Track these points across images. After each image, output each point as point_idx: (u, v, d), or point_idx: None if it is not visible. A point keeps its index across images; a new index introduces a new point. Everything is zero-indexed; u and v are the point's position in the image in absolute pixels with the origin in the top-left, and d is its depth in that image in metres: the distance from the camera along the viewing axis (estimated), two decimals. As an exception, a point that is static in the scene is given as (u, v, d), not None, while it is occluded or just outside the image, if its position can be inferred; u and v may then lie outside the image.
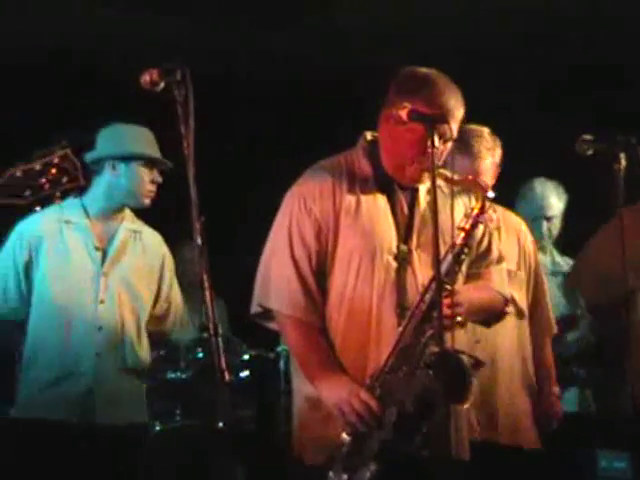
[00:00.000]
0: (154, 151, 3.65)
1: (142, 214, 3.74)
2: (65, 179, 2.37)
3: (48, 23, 5.30)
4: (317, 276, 2.73)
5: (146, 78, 2.41)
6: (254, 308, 2.81)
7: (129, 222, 3.69)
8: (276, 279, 2.74)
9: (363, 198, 2.75)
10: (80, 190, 2.76)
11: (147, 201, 3.63)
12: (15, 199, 2.38)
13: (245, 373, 4.62)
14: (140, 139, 3.66)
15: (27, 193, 2.36)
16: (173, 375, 4.46)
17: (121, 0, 5.08)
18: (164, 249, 3.79)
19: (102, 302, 3.52)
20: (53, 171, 2.36)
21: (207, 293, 2.13)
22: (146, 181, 3.61)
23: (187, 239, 5.07)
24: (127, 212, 3.69)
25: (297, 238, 2.73)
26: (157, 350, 4.47)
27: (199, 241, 2.17)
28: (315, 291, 2.73)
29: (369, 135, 2.85)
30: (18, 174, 2.35)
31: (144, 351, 3.65)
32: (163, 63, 2.39)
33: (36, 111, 5.15)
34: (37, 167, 2.36)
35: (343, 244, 2.73)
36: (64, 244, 3.54)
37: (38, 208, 2.60)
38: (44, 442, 3.39)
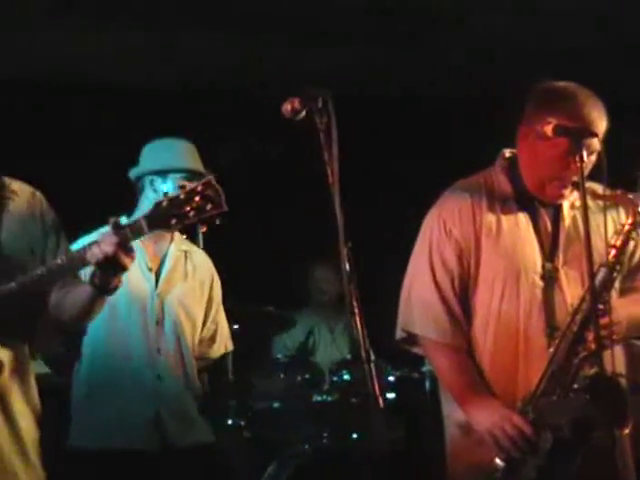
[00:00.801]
0: (191, 163, 3.61)
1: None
2: (209, 206, 2.43)
3: (196, 55, 5.44)
4: (461, 299, 2.70)
5: (287, 107, 2.42)
6: (399, 334, 2.79)
7: (178, 242, 3.66)
8: (419, 304, 2.72)
9: (504, 217, 2.71)
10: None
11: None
12: (162, 228, 2.48)
13: (392, 395, 4.59)
14: (176, 152, 3.63)
15: (173, 222, 2.44)
16: (319, 398, 4.47)
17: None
18: (212, 269, 3.76)
19: (158, 324, 3.52)
20: (197, 199, 2.42)
21: (357, 319, 2.12)
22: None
23: (320, 258, 5.25)
24: (176, 232, 3.63)
25: (438, 262, 2.70)
26: (302, 374, 4.53)
27: (347, 267, 2.16)
28: (459, 314, 2.70)
29: (507, 152, 2.80)
30: (164, 204, 2.44)
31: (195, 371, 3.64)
32: (304, 91, 2.40)
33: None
34: (182, 196, 2.43)
35: (486, 265, 2.69)
36: None
37: None
38: (124, 472, 3.37)
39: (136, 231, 2.45)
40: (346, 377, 4.49)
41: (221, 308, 3.76)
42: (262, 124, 2.90)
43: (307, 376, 4.46)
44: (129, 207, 3.59)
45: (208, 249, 3.82)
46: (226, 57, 5.48)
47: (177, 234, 3.63)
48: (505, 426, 2.53)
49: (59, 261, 2.53)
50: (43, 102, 5.34)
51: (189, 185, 2.45)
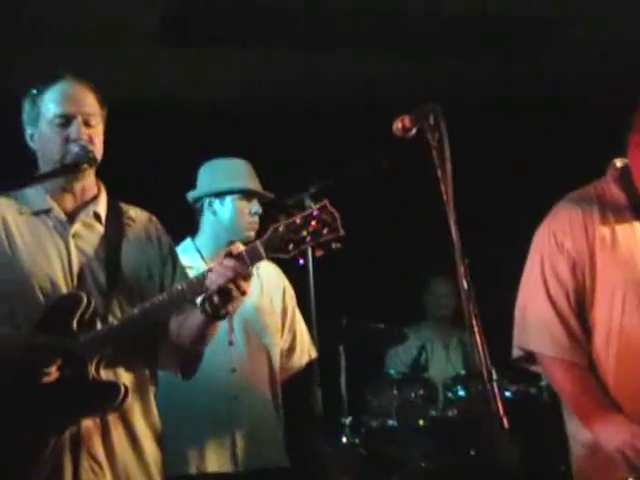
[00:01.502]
0: (248, 183, 3.61)
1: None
2: (325, 230, 2.45)
3: (305, 74, 5.50)
4: (577, 314, 2.62)
5: (398, 125, 2.41)
6: (515, 352, 2.73)
7: None
8: (534, 321, 2.65)
9: (618, 227, 2.63)
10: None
11: (250, 233, 3.56)
12: (280, 253, 2.49)
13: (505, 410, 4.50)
14: (231, 172, 3.63)
15: (290, 247, 2.46)
16: (434, 414, 4.43)
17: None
18: (283, 281, 3.75)
19: (231, 344, 3.53)
20: (313, 223, 2.44)
21: (477, 338, 2.09)
22: (244, 213, 3.57)
23: (439, 273, 5.20)
24: None
25: (551, 276, 2.63)
26: (415, 390, 4.49)
27: (465, 285, 2.13)
28: (577, 329, 2.62)
29: (619, 162, 2.72)
30: (281, 229, 2.46)
31: (277, 388, 3.62)
32: (415, 108, 2.38)
33: (290, 157, 5.33)
34: (298, 221, 2.46)
35: (603, 278, 2.61)
36: None
37: None
38: None
39: (254, 257, 2.48)
40: (461, 393, 4.44)
41: (297, 317, 3.75)
42: (378, 140, 2.89)
43: (421, 392, 4.43)
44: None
45: (321, 265, 3.82)
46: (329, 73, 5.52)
47: None
48: (637, 443, 2.45)
49: (179, 287, 2.57)
50: (154, 126, 5.46)
51: (306, 211, 2.47)
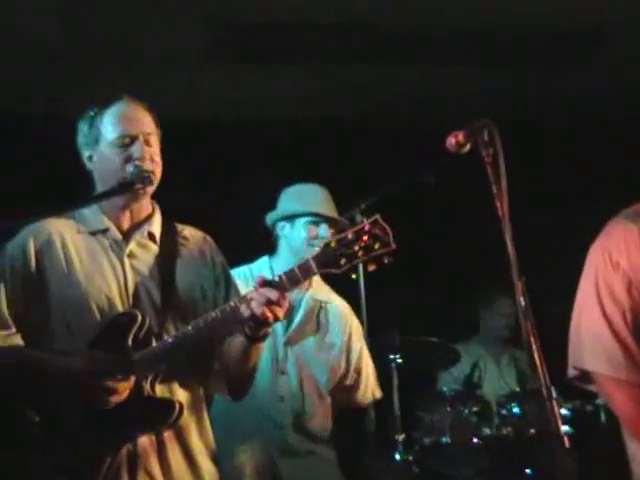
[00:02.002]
0: (317, 207, 3.60)
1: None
2: (377, 245, 2.44)
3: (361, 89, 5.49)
4: (634, 333, 2.54)
5: (451, 141, 2.40)
6: (570, 371, 2.67)
7: (317, 290, 3.65)
8: (589, 340, 2.59)
9: (675, 244, 2.56)
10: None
11: None
12: (332, 268, 2.48)
13: (564, 428, 4.43)
14: (303, 197, 3.63)
15: (342, 262, 2.45)
16: (489, 431, 4.38)
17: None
18: (351, 319, 3.73)
19: (283, 373, 3.53)
20: (365, 238, 2.44)
21: (536, 356, 2.06)
22: (312, 238, 3.56)
23: (503, 292, 5.15)
24: (315, 278, 3.61)
25: (606, 295, 2.56)
26: (469, 407, 4.44)
27: (522, 302, 2.10)
28: (634, 349, 2.53)
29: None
30: (333, 244, 2.47)
31: (327, 420, 3.61)
32: (468, 124, 2.37)
33: (341, 173, 5.34)
34: (349, 236, 2.45)
35: None
36: None
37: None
38: None
39: (305, 272, 2.49)
40: (516, 410, 4.38)
41: (365, 357, 3.73)
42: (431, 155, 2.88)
43: (475, 409, 4.38)
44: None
45: (372, 282, 3.81)
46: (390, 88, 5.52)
47: (316, 279, 3.63)
48: None
49: (232, 304, 2.56)
50: (208, 143, 5.50)
51: (358, 226, 2.46)
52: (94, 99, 2.79)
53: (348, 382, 3.69)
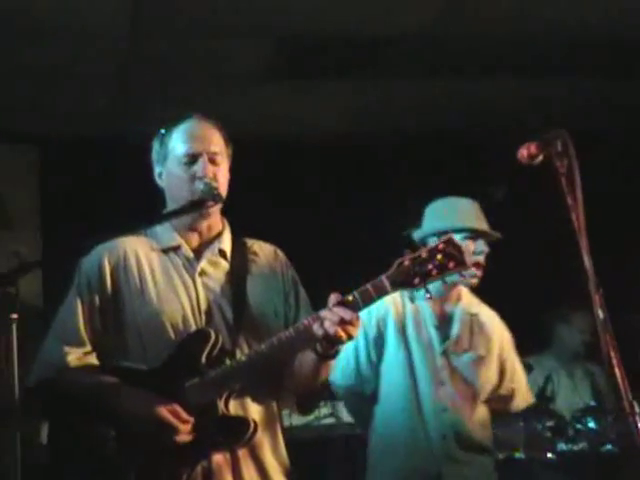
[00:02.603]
0: (472, 222, 3.55)
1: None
2: (451, 264, 2.42)
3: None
4: None
5: (523, 152, 2.38)
6: None
7: (467, 304, 3.63)
8: None
9: None
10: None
11: (477, 274, 3.54)
12: (405, 287, 2.46)
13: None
14: (456, 212, 3.58)
15: (416, 281, 2.43)
16: (564, 447, 4.30)
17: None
18: (502, 330, 3.71)
19: (443, 384, 3.51)
20: (439, 257, 2.42)
21: (616, 370, 2.01)
22: (469, 253, 3.48)
23: (576, 306, 5.05)
24: (463, 291, 3.63)
25: None
26: (542, 422, 4.37)
27: (600, 315, 2.06)
28: None
29: None
30: (406, 263, 2.44)
31: (486, 429, 3.60)
32: (541, 135, 2.34)
33: (408, 189, 5.31)
34: (424, 255, 2.43)
35: None
36: (410, 320, 3.56)
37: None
38: None
39: (378, 291, 2.46)
40: (591, 425, 4.30)
41: (517, 367, 3.72)
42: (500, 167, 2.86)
43: (549, 424, 4.30)
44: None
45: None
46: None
47: (465, 292, 3.64)
48: None
49: (287, 333, 2.55)
50: (274, 161, 5.53)
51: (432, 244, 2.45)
52: (158, 121, 2.82)
53: (503, 392, 3.67)
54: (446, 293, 3.57)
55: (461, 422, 3.51)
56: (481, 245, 3.55)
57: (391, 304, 3.58)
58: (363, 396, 3.57)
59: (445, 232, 3.43)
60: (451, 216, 3.57)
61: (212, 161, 2.71)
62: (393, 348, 3.53)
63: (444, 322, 3.57)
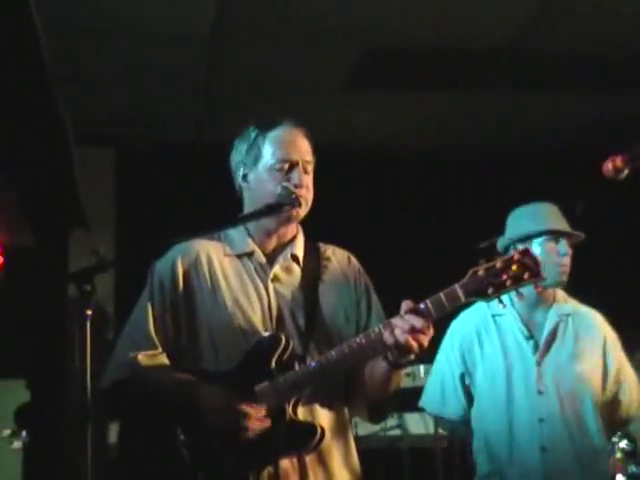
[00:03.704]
0: (551, 223, 3.51)
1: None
2: (526, 275, 2.38)
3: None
4: None
5: (609, 166, 2.32)
6: None
7: (560, 304, 3.55)
8: None
9: None
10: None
11: (562, 277, 3.48)
12: (479, 297, 2.43)
13: None
14: (534, 215, 3.55)
15: (490, 291, 2.40)
16: (634, 469, 4.20)
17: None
18: (604, 328, 3.60)
19: (540, 393, 3.43)
20: (514, 267, 2.38)
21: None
22: (552, 256, 3.46)
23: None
24: (559, 292, 3.57)
25: None
26: (614, 442, 4.27)
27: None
28: None
29: None
30: (480, 272, 2.41)
31: (597, 439, 3.46)
32: (628, 148, 2.28)
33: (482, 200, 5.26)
34: (498, 265, 2.40)
35: None
36: (497, 338, 3.52)
37: None
38: None
39: (451, 300, 2.42)
40: (669, 447, 4.18)
41: (625, 368, 3.60)
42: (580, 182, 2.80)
43: (622, 445, 4.19)
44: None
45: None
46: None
47: (561, 293, 3.59)
48: None
49: (377, 330, 2.51)
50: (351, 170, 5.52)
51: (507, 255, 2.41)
52: (237, 125, 2.81)
53: (605, 397, 3.56)
54: (537, 299, 3.53)
55: (562, 432, 3.41)
56: (564, 246, 3.50)
57: (476, 322, 3.56)
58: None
59: (528, 237, 3.49)
60: (531, 220, 3.54)
61: (305, 170, 2.70)
62: (481, 374, 3.51)
63: (535, 330, 3.52)
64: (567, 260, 3.50)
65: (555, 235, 3.50)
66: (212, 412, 2.54)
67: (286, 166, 2.68)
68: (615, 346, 3.60)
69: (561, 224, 3.54)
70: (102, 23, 4.44)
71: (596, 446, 3.47)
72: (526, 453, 3.39)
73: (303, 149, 2.71)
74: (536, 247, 3.47)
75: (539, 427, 3.40)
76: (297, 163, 2.68)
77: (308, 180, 2.70)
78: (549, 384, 3.44)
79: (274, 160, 2.69)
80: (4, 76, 3.84)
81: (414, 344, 2.41)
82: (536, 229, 3.49)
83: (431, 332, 2.45)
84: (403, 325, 2.41)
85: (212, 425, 2.54)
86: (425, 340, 2.43)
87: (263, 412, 2.51)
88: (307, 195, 2.69)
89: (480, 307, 3.53)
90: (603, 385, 3.53)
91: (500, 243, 3.59)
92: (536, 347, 3.49)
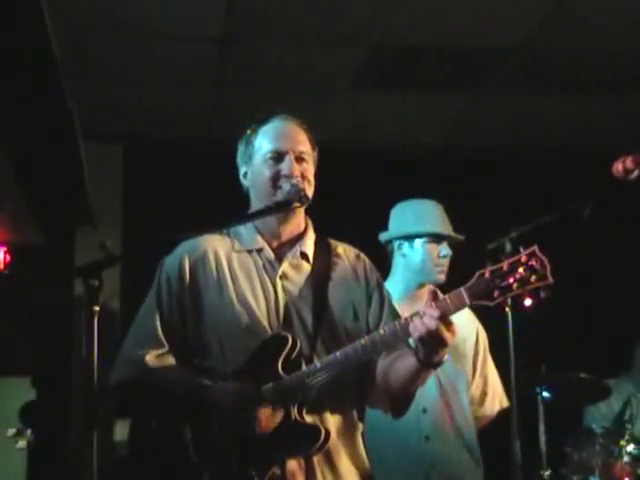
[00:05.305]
0: (437, 226, 3.56)
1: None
2: (534, 278, 2.33)
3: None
4: None
5: (619, 167, 2.32)
6: None
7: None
8: None
9: None
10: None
11: (440, 276, 3.55)
12: (484, 301, 2.38)
13: None
14: (421, 215, 3.59)
15: (496, 294, 2.35)
16: (642, 473, 4.18)
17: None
18: (476, 324, 3.67)
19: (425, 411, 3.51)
20: (521, 270, 2.34)
21: None
22: (433, 256, 3.55)
23: None
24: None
25: None
26: (620, 446, 4.25)
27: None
28: None
29: None
30: (486, 275, 2.37)
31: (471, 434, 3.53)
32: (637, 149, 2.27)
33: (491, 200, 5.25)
34: (505, 267, 2.35)
35: None
36: None
37: None
38: None
39: (457, 303, 2.39)
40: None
41: (489, 363, 3.68)
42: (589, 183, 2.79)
43: (627, 449, 4.17)
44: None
45: (521, 314, 3.71)
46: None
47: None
48: None
49: (382, 332, 2.50)
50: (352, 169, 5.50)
51: (514, 257, 2.37)
52: (246, 123, 2.82)
53: (474, 392, 3.63)
54: (412, 295, 3.58)
55: (441, 423, 3.47)
56: (445, 249, 3.58)
57: None
58: None
59: (410, 236, 3.56)
60: (417, 220, 3.59)
61: (298, 159, 2.69)
62: None
63: None
64: (446, 261, 3.58)
65: (438, 237, 3.56)
66: (225, 404, 2.52)
67: (276, 156, 2.68)
68: (483, 341, 3.67)
69: (444, 226, 3.60)
70: (112, 20, 4.42)
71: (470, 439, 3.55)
72: (409, 443, 3.43)
73: (295, 139, 2.71)
74: (418, 246, 3.56)
75: (422, 416, 3.46)
76: (287, 152, 2.67)
77: (304, 169, 2.69)
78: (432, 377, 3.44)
79: (264, 152, 2.70)
80: (12, 74, 3.83)
81: (446, 334, 2.37)
82: (420, 230, 3.57)
83: (452, 333, 2.40)
84: (432, 312, 2.36)
85: (223, 424, 2.52)
86: (449, 337, 2.38)
87: (270, 413, 2.50)
88: (304, 185, 2.67)
89: None
90: (472, 379, 3.62)
91: (382, 237, 3.65)
92: None
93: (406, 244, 3.61)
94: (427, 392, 3.42)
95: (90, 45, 4.63)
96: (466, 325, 3.62)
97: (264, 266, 2.71)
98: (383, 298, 2.77)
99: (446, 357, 2.49)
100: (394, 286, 3.58)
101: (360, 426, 2.72)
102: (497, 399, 3.70)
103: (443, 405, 3.50)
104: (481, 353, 3.67)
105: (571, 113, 5.40)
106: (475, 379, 3.64)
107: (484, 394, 3.67)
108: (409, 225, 3.61)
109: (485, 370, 3.67)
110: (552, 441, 4.20)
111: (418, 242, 3.59)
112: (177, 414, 2.58)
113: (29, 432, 5.15)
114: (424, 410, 3.47)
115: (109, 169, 5.72)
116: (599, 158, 2.45)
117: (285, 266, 2.72)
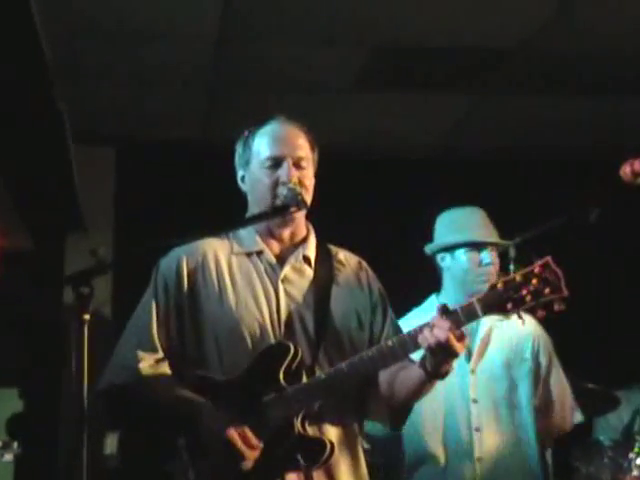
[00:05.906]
0: (474, 234, 3.45)
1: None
2: (547, 290, 2.28)
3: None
4: None
5: (627, 169, 2.27)
6: None
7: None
8: None
9: None
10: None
11: (484, 286, 3.39)
12: (497, 312, 2.34)
13: None
14: (459, 224, 3.51)
15: (509, 306, 2.31)
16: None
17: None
18: (537, 330, 3.55)
19: (475, 401, 3.39)
20: (534, 282, 2.29)
21: None
22: (474, 266, 3.43)
23: None
24: None
25: None
26: (629, 459, 4.16)
27: None
28: None
29: None
30: (499, 286, 2.32)
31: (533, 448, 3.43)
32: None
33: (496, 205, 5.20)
34: (518, 278, 2.31)
35: None
36: None
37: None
38: None
39: (469, 315, 2.34)
40: None
41: (556, 371, 3.56)
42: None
43: (637, 461, 4.06)
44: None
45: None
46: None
47: None
48: None
49: (390, 343, 2.45)
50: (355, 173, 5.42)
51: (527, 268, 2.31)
52: (242, 126, 2.74)
53: (538, 402, 3.52)
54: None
55: (494, 444, 3.38)
56: (487, 256, 3.45)
57: None
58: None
59: (449, 247, 3.47)
60: (455, 230, 3.50)
61: (297, 165, 2.61)
62: None
63: (469, 337, 3.44)
64: (491, 269, 3.44)
65: (477, 245, 3.44)
66: (211, 434, 2.43)
67: (274, 162, 2.61)
68: (545, 349, 3.56)
69: (484, 233, 3.48)
70: (104, 21, 4.36)
71: (531, 456, 3.46)
72: (462, 463, 3.36)
73: (293, 144, 2.63)
74: (459, 257, 3.46)
75: (475, 436, 3.37)
76: (285, 158, 2.60)
77: (301, 175, 2.61)
78: (483, 393, 3.40)
79: (262, 157, 2.63)
80: (1, 76, 3.75)
81: (456, 344, 2.31)
82: (457, 240, 3.46)
83: (466, 340, 2.36)
84: (442, 324, 2.32)
85: (210, 445, 2.43)
86: (459, 347, 2.33)
87: (254, 440, 2.41)
88: (302, 191, 2.58)
89: (429, 308, 3.43)
90: (535, 390, 3.50)
91: (428, 249, 3.56)
92: (469, 354, 3.43)
93: (448, 256, 3.52)
94: (479, 409, 3.38)
95: (82, 46, 4.58)
96: (518, 337, 3.52)
97: (265, 270, 2.63)
98: (386, 309, 2.71)
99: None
100: (445, 300, 3.49)
101: (360, 439, 2.65)
102: (568, 413, 3.61)
103: (496, 424, 3.41)
104: (543, 365, 3.56)
105: (571, 114, 5.38)
106: (538, 389, 3.53)
107: (549, 405, 3.57)
108: (447, 235, 3.53)
109: (549, 379, 3.56)
110: (560, 454, 4.09)
111: (458, 252, 3.49)
112: (167, 429, 2.48)
113: (16, 445, 5.04)
114: (477, 429, 3.39)
115: (101, 172, 5.65)
116: (600, 159, 2.35)
117: (287, 269, 2.64)
